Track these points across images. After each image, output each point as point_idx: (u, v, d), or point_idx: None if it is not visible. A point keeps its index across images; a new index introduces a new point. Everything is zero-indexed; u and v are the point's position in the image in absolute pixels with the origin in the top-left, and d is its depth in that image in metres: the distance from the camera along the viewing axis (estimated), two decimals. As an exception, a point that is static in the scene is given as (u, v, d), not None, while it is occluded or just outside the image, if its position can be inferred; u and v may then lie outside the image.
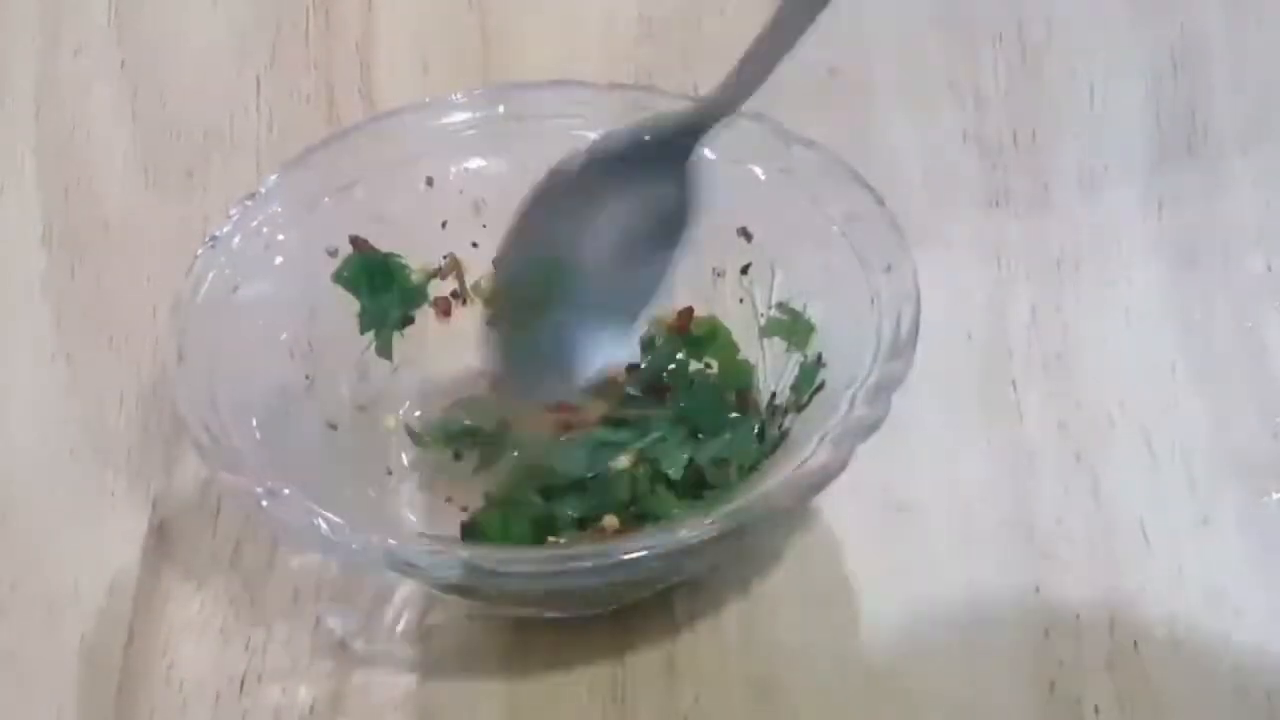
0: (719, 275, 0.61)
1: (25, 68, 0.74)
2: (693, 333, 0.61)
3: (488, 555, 0.53)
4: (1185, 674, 0.56)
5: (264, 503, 0.53)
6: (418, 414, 0.61)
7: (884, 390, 0.54)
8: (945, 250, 0.65)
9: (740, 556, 0.58)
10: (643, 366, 0.61)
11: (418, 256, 0.61)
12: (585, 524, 0.57)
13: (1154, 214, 0.67)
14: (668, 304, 0.60)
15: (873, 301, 0.56)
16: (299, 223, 0.60)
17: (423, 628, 0.58)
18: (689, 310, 0.61)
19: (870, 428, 0.53)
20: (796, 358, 0.58)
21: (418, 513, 0.59)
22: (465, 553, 0.53)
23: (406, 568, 0.53)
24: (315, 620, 0.58)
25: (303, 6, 0.75)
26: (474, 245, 0.61)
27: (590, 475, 0.58)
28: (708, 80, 0.70)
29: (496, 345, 0.58)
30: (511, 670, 0.57)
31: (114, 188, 0.70)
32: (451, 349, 0.62)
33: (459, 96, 0.63)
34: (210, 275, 0.58)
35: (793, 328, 0.59)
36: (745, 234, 0.60)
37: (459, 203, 0.62)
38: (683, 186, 0.56)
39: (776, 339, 0.59)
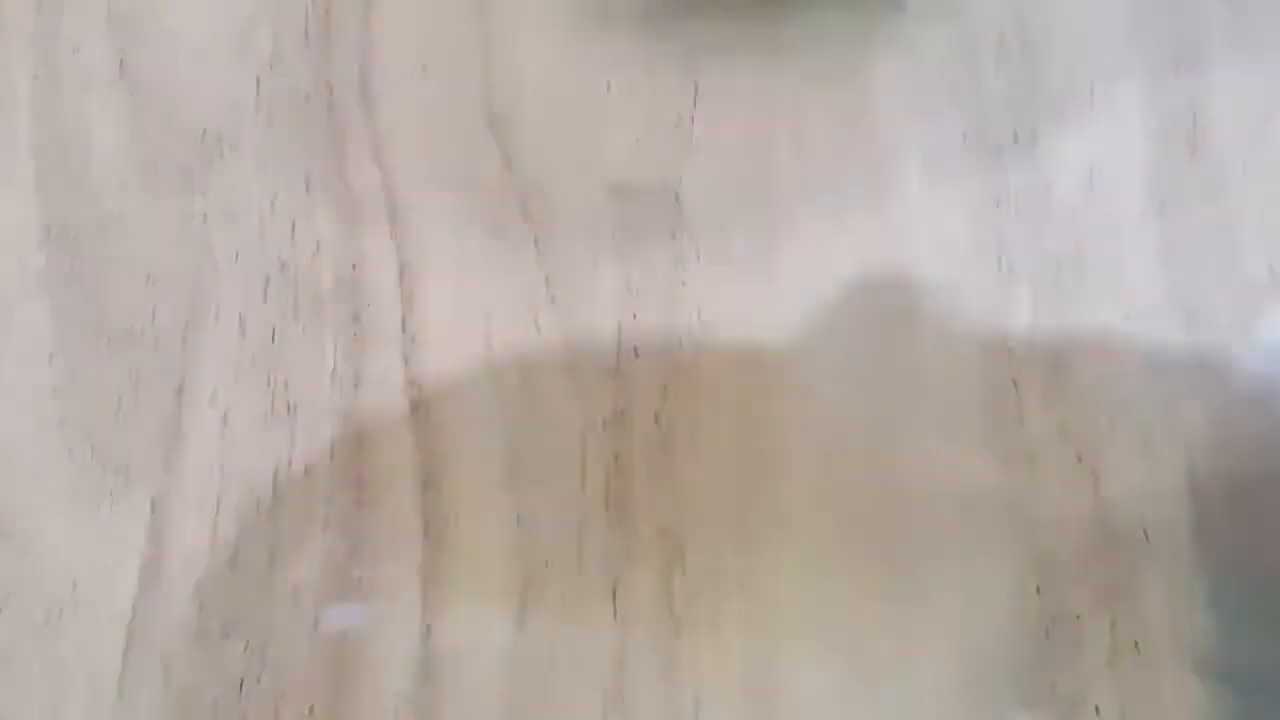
0: None
1: (24, 67, 0.74)
2: None
3: None
4: (1188, 675, 0.56)
5: None
6: None
7: None
8: (946, 250, 0.65)
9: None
10: None
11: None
12: None
13: (1154, 214, 0.67)
14: None
15: None
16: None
17: (423, 626, 0.58)
18: None
19: None
20: None
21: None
22: None
23: None
24: (315, 620, 0.58)
25: (302, 6, 0.75)
26: None
27: None
28: (707, 79, 0.70)
29: None
30: (511, 671, 0.57)
31: (113, 188, 0.70)
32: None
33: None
34: None
35: None
36: None
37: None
38: None
39: None
